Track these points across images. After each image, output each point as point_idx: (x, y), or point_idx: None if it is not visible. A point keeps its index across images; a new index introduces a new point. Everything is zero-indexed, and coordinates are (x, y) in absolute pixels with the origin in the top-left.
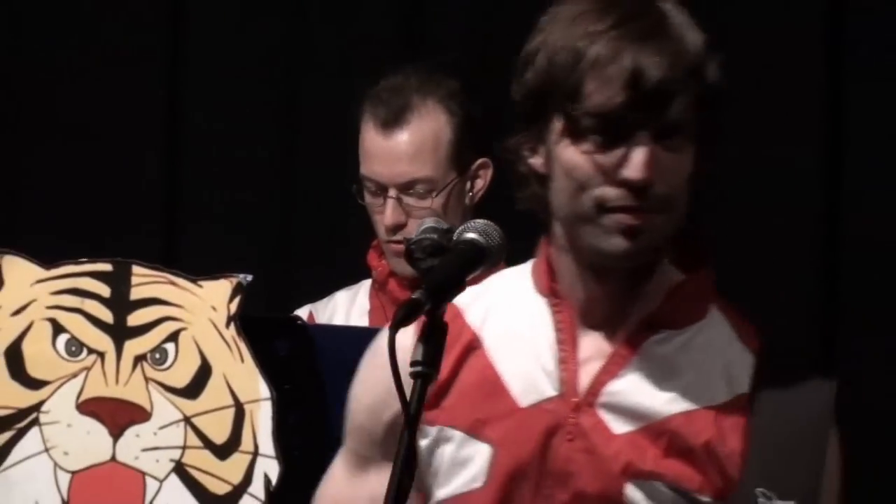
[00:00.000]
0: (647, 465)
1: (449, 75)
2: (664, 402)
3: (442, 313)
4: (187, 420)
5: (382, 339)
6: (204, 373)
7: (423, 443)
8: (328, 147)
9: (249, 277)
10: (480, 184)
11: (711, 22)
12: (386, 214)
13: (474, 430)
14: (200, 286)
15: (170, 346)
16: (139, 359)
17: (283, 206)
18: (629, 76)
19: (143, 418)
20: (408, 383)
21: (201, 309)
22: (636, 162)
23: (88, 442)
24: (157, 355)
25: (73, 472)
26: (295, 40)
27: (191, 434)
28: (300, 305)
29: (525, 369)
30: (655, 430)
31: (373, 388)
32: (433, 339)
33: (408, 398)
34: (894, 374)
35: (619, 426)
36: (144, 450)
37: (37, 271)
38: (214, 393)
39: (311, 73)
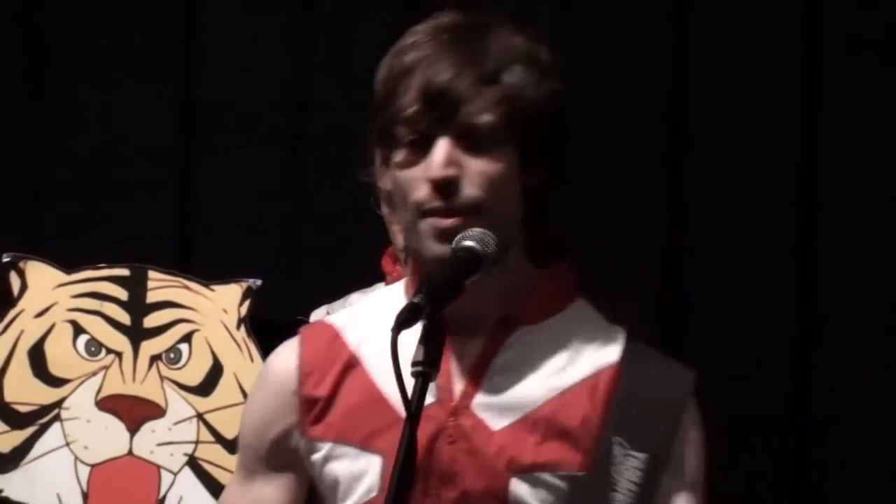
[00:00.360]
0: (528, 458)
1: None
2: (535, 391)
3: (441, 316)
4: (200, 416)
5: (270, 366)
6: (216, 372)
7: (316, 457)
8: (339, 151)
9: (259, 282)
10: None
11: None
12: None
13: (365, 444)
14: (213, 290)
15: (184, 347)
16: (155, 358)
17: (294, 209)
18: (422, 83)
19: (159, 414)
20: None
21: (213, 312)
22: (435, 161)
23: (107, 437)
24: (172, 355)
25: (92, 465)
26: (306, 43)
27: (203, 429)
28: (310, 307)
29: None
30: (531, 419)
31: (260, 410)
32: (433, 340)
33: (409, 396)
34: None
35: (496, 422)
36: (159, 444)
37: (58, 276)
38: (225, 391)
39: (320, 75)
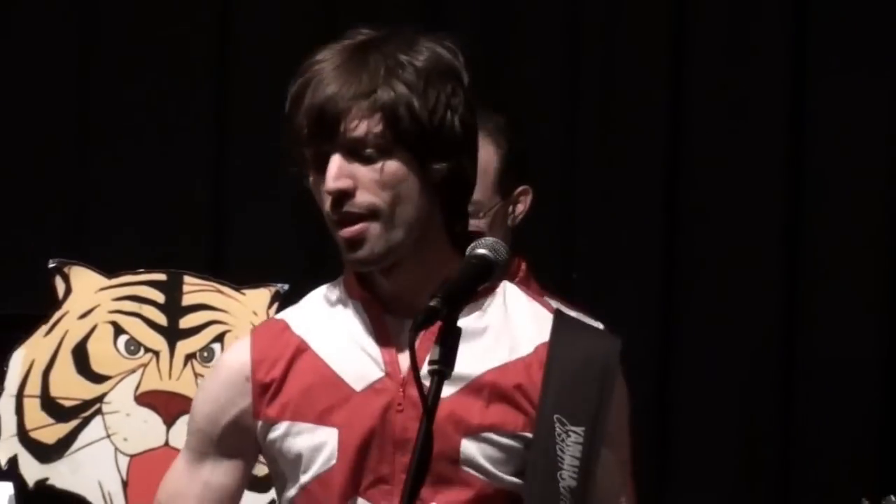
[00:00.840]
0: (475, 420)
1: (497, 110)
2: (477, 362)
3: (456, 318)
4: None
5: (225, 358)
6: None
7: (273, 436)
8: None
9: (286, 287)
10: (521, 208)
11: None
12: None
13: (320, 420)
14: (243, 294)
15: (216, 346)
16: (189, 357)
17: (319, 218)
18: (309, 104)
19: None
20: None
21: (244, 314)
22: (328, 176)
23: (145, 429)
24: (206, 354)
25: (131, 456)
26: (336, 39)
27: None
28: None
29: (353, 361)
30: (475, 386)
31: (214, 398)
32: (448, 340)
33: (426, 391)
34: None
35: (444, 391)
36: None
37: (100, 280)
38: None
39: None
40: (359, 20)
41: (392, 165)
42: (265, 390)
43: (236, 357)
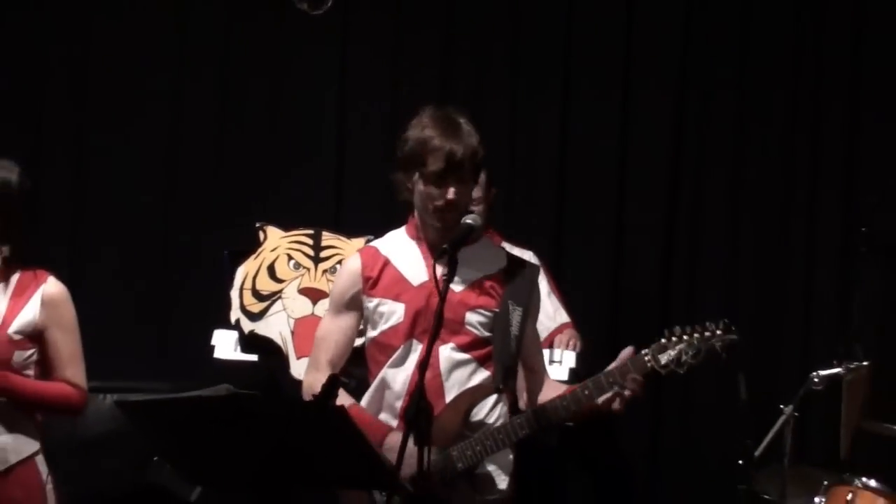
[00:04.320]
0: (472, 302)
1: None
2: (473, 273)
3: (456, 254)
4: None
5: (347, 263)
6: None
7: (370, 304)
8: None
9: (371, 237)
10: (491, 199)
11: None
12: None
13: (395, 299)
14: (350, 240)
15: (338, 266)
16: (325, 271)
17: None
18: (446, 154)
19: (325, 296)
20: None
21: (351, 250)
22: (453, 192)
23: (302, 305)
24: (332, 269)
25: (296, 319)
26: None
27: None
28: None
29: (411, 270)
30: (473, 285)
31: (342, 284)
32: (452, 264)
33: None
34: None
35: (457, 287)
36: (325, 310)
37: (281, 233)
38: None
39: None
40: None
41: (473, 185)
42: (367, 281)
43: (353, 264)
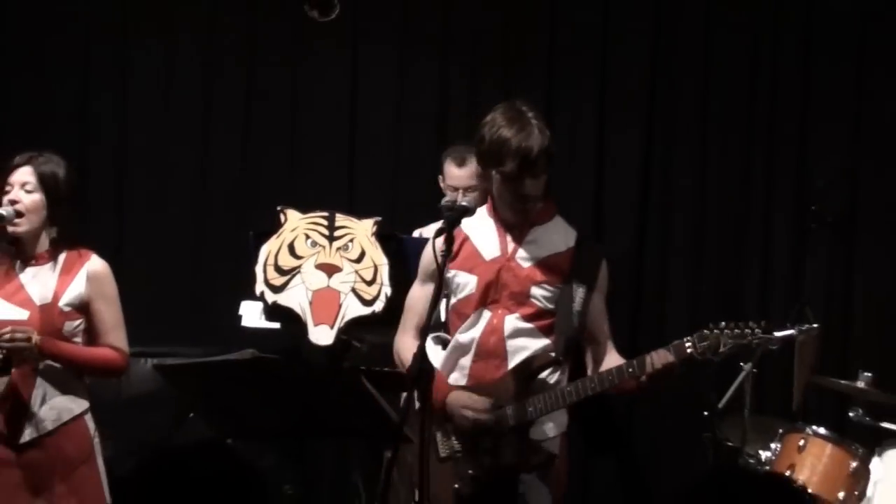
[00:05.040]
0: (538, 277)
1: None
2: (542, 250)
3: (453, 231)
4: (356, 272)
5: (429, 244)
6: (362, 254)
7: (449, 275)
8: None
9: (380, 218)
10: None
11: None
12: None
13: (470, 271)
14: (361, 221)
15: (350, 244)
16: (339, 248)
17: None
18: (521, 156)
19: (339, 271)
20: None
21: (363, 230)
22: (528, 186)
23: (318, 279)
24: (345, 247)
25: (313, 291)
26: None
27: (357, 277)
28: (410, 230)
29: (486, 245)
30: (541, 263)
31: (429, 256)
32: (449, 242)
33: (441, 270)
34: None
35: (525, 264)
36: (341, 282)
37: (299, 215)
38: (366, 261)
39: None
40: None
41: (545, 179)
42: (447, 254)
43: (437, 242)
